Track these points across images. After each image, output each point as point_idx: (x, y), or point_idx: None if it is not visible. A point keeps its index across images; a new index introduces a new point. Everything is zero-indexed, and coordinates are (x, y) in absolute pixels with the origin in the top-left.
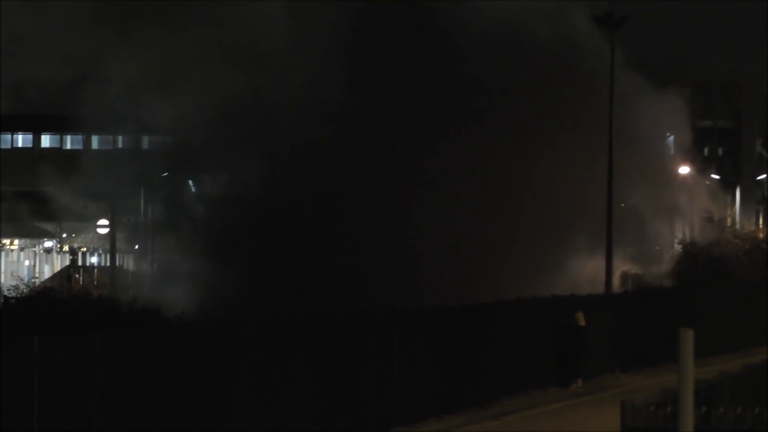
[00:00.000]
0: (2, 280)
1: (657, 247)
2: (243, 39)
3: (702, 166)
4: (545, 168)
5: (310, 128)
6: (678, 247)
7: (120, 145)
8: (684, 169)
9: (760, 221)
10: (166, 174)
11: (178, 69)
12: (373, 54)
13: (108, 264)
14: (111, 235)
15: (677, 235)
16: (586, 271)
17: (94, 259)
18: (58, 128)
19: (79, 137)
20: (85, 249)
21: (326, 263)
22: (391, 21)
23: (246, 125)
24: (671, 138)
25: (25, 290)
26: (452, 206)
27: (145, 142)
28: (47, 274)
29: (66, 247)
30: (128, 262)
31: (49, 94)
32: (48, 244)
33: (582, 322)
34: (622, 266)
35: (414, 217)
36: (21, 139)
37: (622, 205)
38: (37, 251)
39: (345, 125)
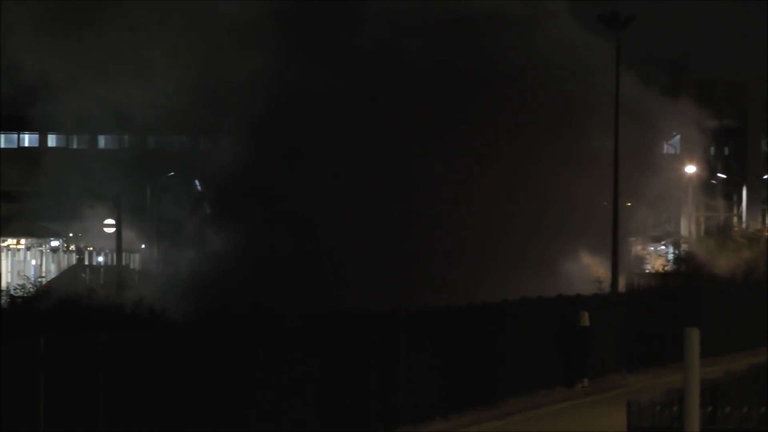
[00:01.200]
0: (8, 280)
1: (662, 245)
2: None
3: (708, 166)
4: (540, 164)
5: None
6: (684, 247)
7: (124, 145)
8: (690, 169)
9: (767, 220)
10: (172, 174)
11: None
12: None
13: (115, 263)
14: (117, 235)
15: (683, 234)
16: (589, 271)
17: (100, 259)
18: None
19: (85, 137)
20: (91, 248)
21: (318, 263)
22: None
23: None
24: (677, 137)
25: (31, 289)
26: (444, 204)
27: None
28: (54, 273)
29: (73, 246)
30: (135, 262)
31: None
32: (54, 243)
33: (586, 322)
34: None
35: (406, 214)
36: (27, 139)
37: (628, 204)
38: (44, 250)
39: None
